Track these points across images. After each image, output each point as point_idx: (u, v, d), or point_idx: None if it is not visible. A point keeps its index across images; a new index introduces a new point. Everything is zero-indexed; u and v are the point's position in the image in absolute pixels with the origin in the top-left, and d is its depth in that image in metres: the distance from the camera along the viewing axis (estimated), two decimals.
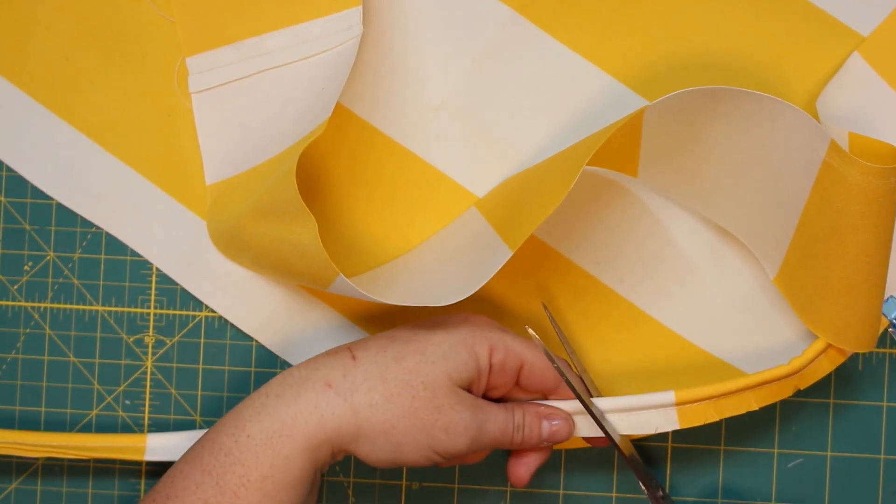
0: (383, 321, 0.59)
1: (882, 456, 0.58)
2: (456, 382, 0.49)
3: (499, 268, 0.50)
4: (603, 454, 0.59)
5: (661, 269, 0.58)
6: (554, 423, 0.52)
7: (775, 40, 0.57)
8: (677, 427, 0.56)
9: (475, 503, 0.60)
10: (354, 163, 0.59)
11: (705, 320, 0.58)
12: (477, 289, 0.50)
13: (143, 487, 0.60)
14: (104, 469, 0.60)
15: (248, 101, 0.57)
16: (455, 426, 0.48)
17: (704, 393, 0.55)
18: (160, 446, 0.58)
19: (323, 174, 0.59)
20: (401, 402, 0.47)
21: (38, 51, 0.59)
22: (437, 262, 0.56)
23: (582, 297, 0.58)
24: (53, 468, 0.60)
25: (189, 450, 0.49)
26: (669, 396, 0.55)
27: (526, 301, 0.59)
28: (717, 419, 0.57)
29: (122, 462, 0.60)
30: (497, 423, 0.50)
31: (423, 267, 0.56)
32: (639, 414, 0.55)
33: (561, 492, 0.59)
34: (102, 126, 0.59)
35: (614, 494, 0.59)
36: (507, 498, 0.60)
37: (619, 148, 0.54)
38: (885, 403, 0.58)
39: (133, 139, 0.59)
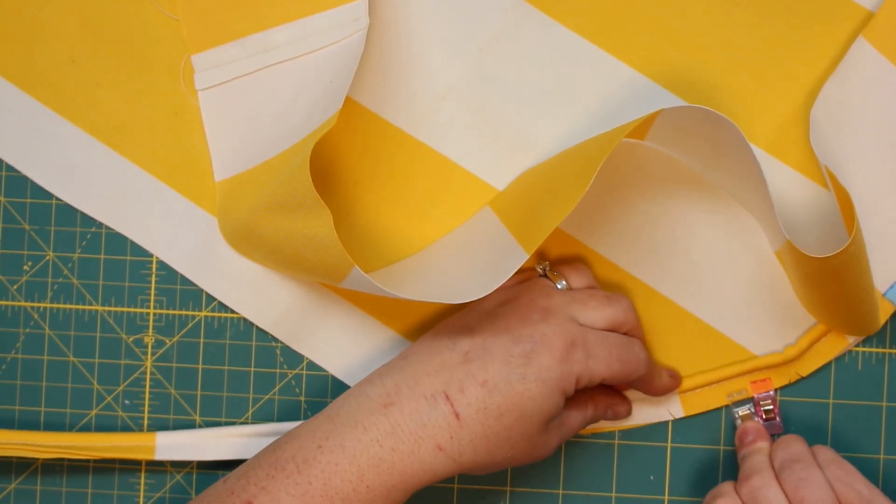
0: (400, 315, 0.59)
1: (882, 456, 0.58)
2: (548, 421, 0.52)
3: (515, 270, 0.51)
4: (603, 454, 0.59)
5: (674, 249, 0.58)
6: (618, 408, 0.58)
7: (780, 17, 0.57)
8: (682, 415, 0.58)
9: (475, 503, 0.60)
10: (365, 155, 0.59)
11: (719, 299, 0.58)
12: (492, 290, 0.51)
13: (142, 487, 0.60)
14: (104, 469, 0.60)
15: (255, 97, 0.57)
16: (545, 452, 0.54)
17: (704, 380, 0.58)
18: (169, 445, 0.58)
19: (333, 167, 0.59)
20: (501, 453, 0.52)
21: (44, 55, 0.59)
22: (452, 261, 0.56)
23: (597, 280, 0.58)
24: (53, 468, 0.60)
25: (294, 483, 0.50)
26: None
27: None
28: (719, 406, 0.58)
29: (122, 461, 0.60)
30: (574, 425, 0.55)
31: (438, 265, 0.57)
32: (644, 403, 0.58)
33: (561, 492, 0.59)
34: (111, 127, 0.59)
35: (614, 494, 0.59)
36: (506, 498, 0.60)
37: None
38: (885, 403, 0.58)
39: (142, 139, 0.59)
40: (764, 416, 0.58)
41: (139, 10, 0.59)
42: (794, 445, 0.54)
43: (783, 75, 0.57)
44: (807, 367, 0.58)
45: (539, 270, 0.57)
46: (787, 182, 0.57)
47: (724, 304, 0.58)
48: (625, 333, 0.55)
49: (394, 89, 0.58)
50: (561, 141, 0.58)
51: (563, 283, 0.56)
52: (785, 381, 0.58)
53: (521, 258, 0.51)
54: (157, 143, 0.59)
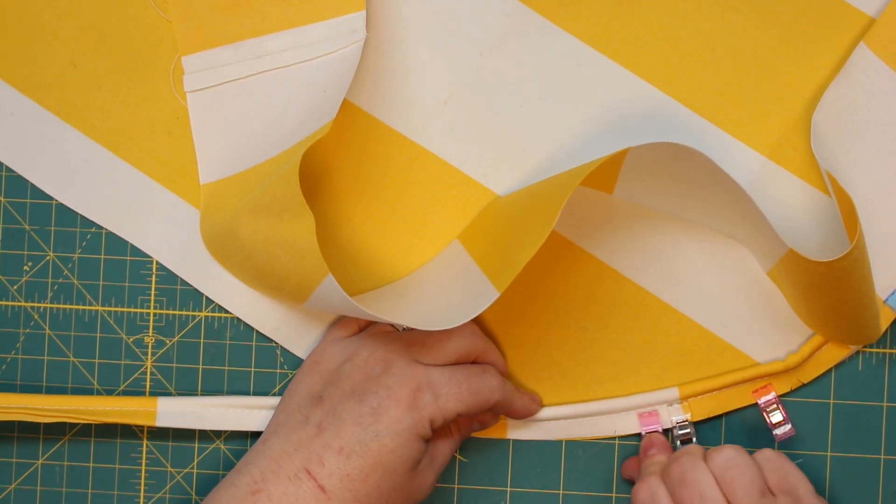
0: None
1: (882, 456, 0.58)
2: (414, 466, 0.53)
3: (485, 307, 0.51)
4: (603, 454, 0.59)
5: (675, 255, 0.58)
6: (483, 418, 0.58)
7: (782, 23, 0.57)
8: (676, 424, 0.58)
9: (475, 503, 0.60)
10: (363, 158, 0.59)
11: (717, 305, 0.58)
12: (464, 322, 0.51)
13: (143, 488, 0.60)
14: (104, 469, 0.60)
15: (246, 102, 0.57)
16: (423, 492, 0.55)
17: (706, 387, 0.58)
18: (170, 411, 0.58)
19: (329, 171, 0.59)
20: None
21: (45, 58, 0.59)
22: (425, 292, 0.56)
23: (598, 286, 0.58)
24: (53, 468, 0.60)
25: None
26: (673, 392, 0.57)
27: (540, 288, 0.59)
28: (721, 412, 0.58)
29: (122, 462, 0.60)
30: (447, 454, 0.56)
31: (412, 294, 0.56)
32: (646, 410, 0.57)
33: (561, 492, 0.59)
34: (111, 130, 0.59)
35: (614, 494, 0.59)
36: (507, 498, 0.60)
37: (596, 174, 0.54)
38: (885, 403, 0.58)
39: (143, 143, 0.59)
40: (772, 423, 0.57)
41: (140, 13, 0.59)
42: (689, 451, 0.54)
43: (785, 82, 0.57)
44: (808, 374, 0.58)
45: None
46: (788, 188, 0.57)
47: (726, 311, 0.58)
48: (476, 360, 0.56)
49: (394, 93, 0.58)
50: (562, 145, 0.58)
51: (403, 326, 0.56)
52: (787, 389, 0.58)
53: (492, 296, 0.51)
54: (159, 147, 0.59)
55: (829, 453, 0.59)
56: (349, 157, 0.59)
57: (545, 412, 0.59)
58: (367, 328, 0.57)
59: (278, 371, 0.60)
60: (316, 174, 0.59)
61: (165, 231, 0.59)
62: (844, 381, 0.58)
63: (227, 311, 0.60)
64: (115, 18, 0.59)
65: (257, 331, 0.60)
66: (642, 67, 0.58)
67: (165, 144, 0.59)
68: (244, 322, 0.60)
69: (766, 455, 0.53)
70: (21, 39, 0.59)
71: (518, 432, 0.59)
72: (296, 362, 0.60)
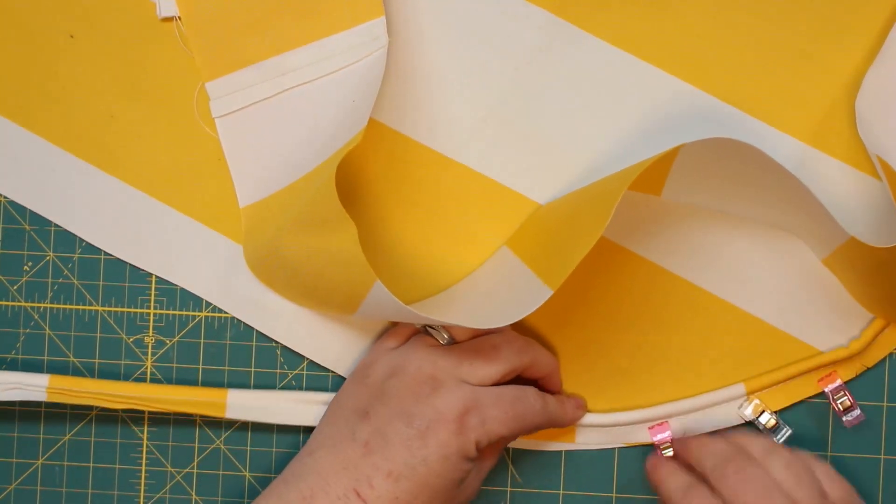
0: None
1: (882, 456, 0.58)
2: (461, 482, 0.54)
3: (539, 304, 0.50)
4: (603, 454, 0.59)
5: (727, 251, 0.58)
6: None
7: (815, 10, 0.57)
8: (752, 417, 0.57)
9: (475, 503, 0.60)
10: (408, 183, 0.58)
11: (775, 297, 0.58)
12: (515, 321, 0.50)
13: (142, 487, 0.60)
14: (104, 469, 0.60)
15: (275, 121, 0.57)
16: (468, 499, 0.55)
17: (772, 379, 0.57)
18: (240, 404, 0.58)
19: (374, 196, 0.58)
20: None
21: (83, 113, 0.59)
22: (474, 295, 0.56)
23: (652, 288, 0.58)
24: (53, 468, 0.60)
25: None
26: (739, 388, 0.57)
27: (594, 294, 0.59)
28: (788, 404, 0.58)
29: (122, 462, 0.60)
30: (491, 466, 0.56)
31: (460, 297, 0.56)
32: (714, 410, 0.58)
33: (561, 492, 0.59)
34: (154, 178, 0.59)
35: (614, 494, 0.59)
36: (507, 498, 0.60)
37: (645, 175, 0.54)
38: (885, 403, 0.58)
39: (187, 187, 0.59)
40: (842, 410, 0.57)
41: (172, 59, 0.58)
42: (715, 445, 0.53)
43: (819, 67, 0.57)
44: (872, 358, 0.57)
45: (419, 326, 0.57)
46: (832, 174, 0.57)
47: (785, 302, 0.57)
48: (524, 373, 0.56)
49: (433, 116, 0.58)
50: (605, 151, 0.58)
51: (446, 337, 0.56)
52: (852, 374, 0.57)
53: (545, 294, 0.51)
54: (203, 190, 0.59)
55: (829, 453, 0.59)
56: (393, 181, 0.58)
57: (611, 417, 0.58)
58: (409, 337, 0.57)
59: (278, 371, 0.60)
60: (356, 197, 0.58)
61: (217, 272, 0.59)
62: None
63: (226, 312, 0.60)
64: (148, 66, 0.59)
65: (258, 331, 0.60)
66: (676, 66, 0.57)
67: (209, 187, 0.59)
68: (244, 321, 0.60)
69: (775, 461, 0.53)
70: (57, 96, 0.59)
71: (585, 438, 0.59)
72: (296, 362, 0.60)
